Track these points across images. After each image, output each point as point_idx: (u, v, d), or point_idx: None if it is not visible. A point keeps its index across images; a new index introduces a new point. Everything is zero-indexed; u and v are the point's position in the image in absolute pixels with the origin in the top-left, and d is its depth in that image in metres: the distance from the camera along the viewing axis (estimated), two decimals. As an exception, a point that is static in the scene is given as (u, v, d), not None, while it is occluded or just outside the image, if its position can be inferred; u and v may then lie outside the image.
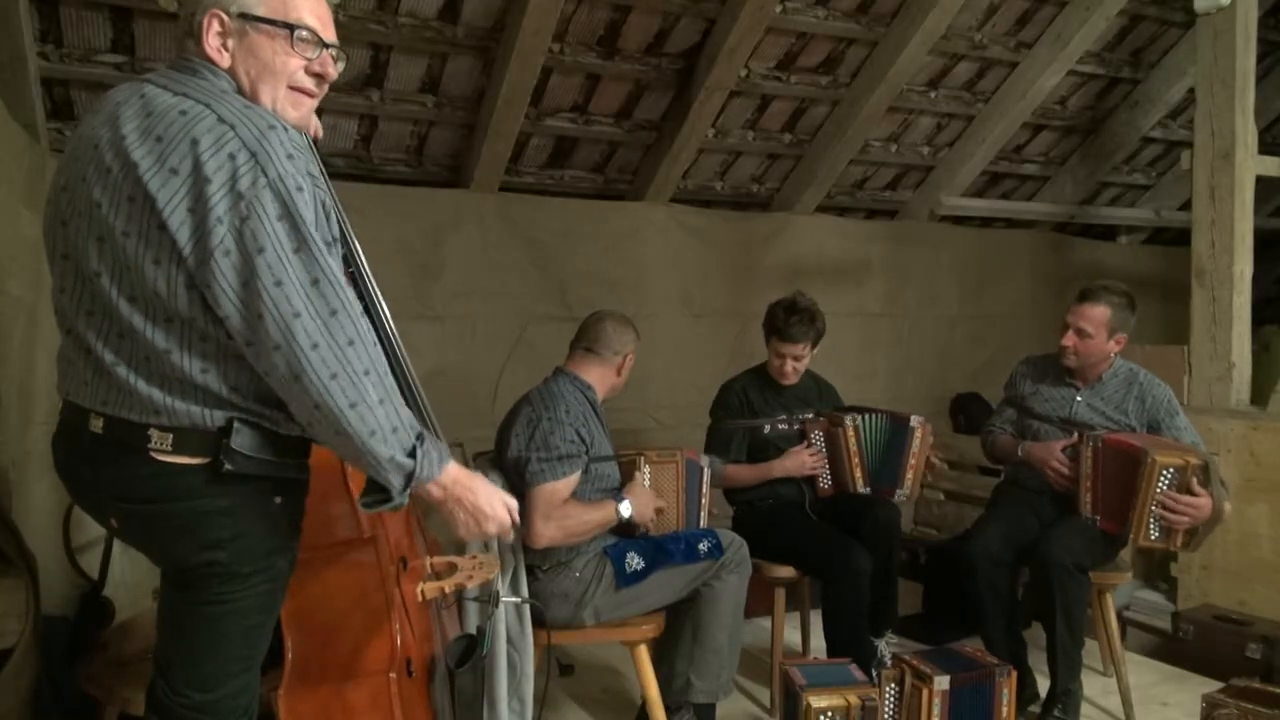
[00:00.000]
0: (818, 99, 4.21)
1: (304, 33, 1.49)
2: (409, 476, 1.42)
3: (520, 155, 3.97)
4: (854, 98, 4.17)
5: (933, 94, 4.44)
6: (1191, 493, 2.65)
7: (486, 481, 1.58)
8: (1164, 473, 2.66)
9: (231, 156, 1.34)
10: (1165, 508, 2.66)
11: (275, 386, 1.38)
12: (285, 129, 1.40)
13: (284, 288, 1.33)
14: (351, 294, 1.40)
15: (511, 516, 1.61)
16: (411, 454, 1.42)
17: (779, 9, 3.62)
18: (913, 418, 3.12)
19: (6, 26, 2.70)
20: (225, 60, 1.47)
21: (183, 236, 1.34)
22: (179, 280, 1.36)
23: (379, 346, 1.42)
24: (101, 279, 1.39)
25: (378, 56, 3.39)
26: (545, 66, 3.53)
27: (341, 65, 1.58)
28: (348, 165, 3.74)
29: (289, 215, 1.34)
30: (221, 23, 1.46)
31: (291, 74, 1.50)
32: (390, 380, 1.42)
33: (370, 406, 1.37)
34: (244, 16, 1.46)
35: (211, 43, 1.46)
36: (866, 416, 3.15)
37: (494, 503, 1.57)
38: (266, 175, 1.34)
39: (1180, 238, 5.14)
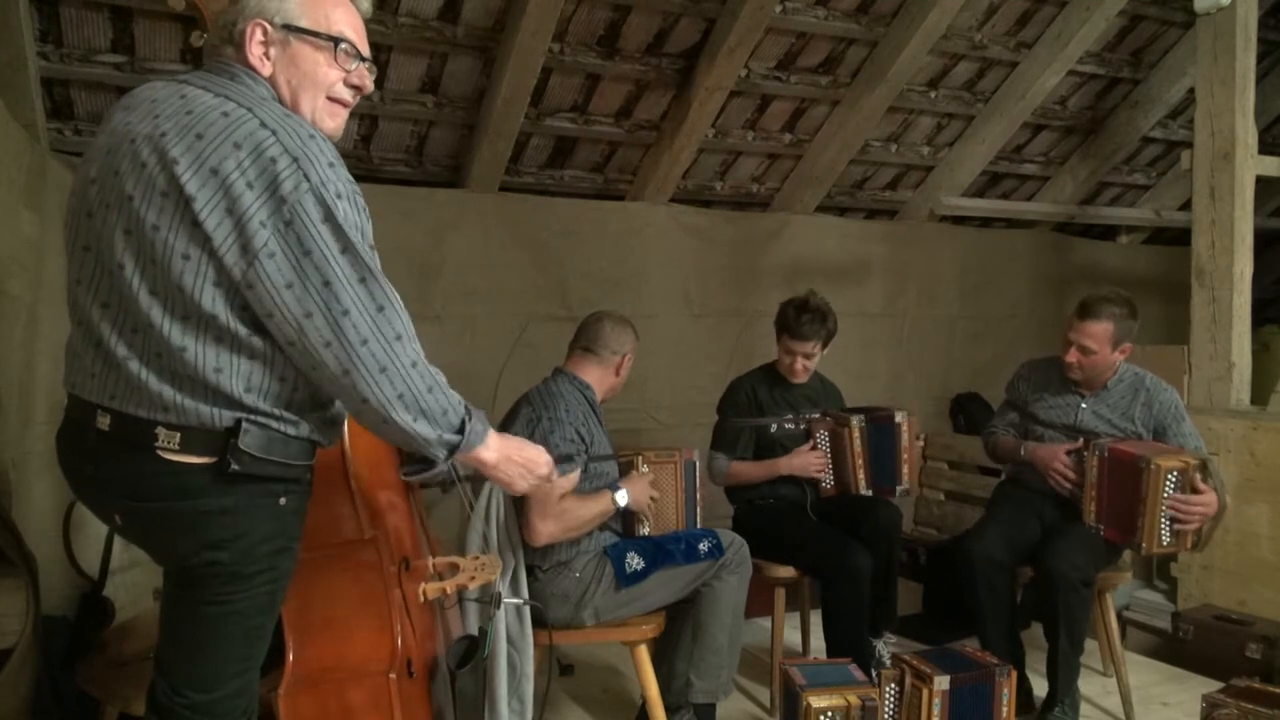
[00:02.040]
0: (818, 99, 4.21)
1: (346, 46, 1.53)
2: (453, 449, 1.52)
3: (520, 155, 3.97)
4: (854, 98, 4.17)
5: (933, 94, 4.44)
6: (1197, 491, 2.66)
7: (522, 439, 1.75)
8: (1169, 477, 2.66)
9: (273, 160, 1.36)
10: (1177, 511, 2.66)
11: (323, 381, 1.43)
12: (324, 139, 1.44)
13: (332, 287, 1.37)
14: (396, 292, 1.44)
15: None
16: (459, 430, 1.51)
17: (779, 9, 3.62)
18: (895, 413, 3.13)
19: (6, 26, 2.70)
20: (267, 69, 1.50)
21: (219, 236, 1.36)
22: (207, 276, 1.37)
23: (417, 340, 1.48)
24: (124, 271, 1.40)
25: (378, 56, 3.39)
26: (545, 66, 3.53)
27: (373, 77, 1.62)
28: (348, 165, 3.71)
29: (332, 218, 1.38)
30: (265, 32, 1.48)
31: (331, 85, 1.54)
32: (434, 368, 1.48)
33: (418, 395, 1.44)
34: (288, 28, 1.49)
35: (254, 51, 1.48)
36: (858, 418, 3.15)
37: (538, 452, 1.73)
38: (309, 180, 1.37)
39: (1180, 238, 5.14)
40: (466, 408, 1.53)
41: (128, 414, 1.42)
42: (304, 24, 1.50)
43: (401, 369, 1.42)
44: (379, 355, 1.40)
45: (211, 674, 1.51)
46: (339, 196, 1.39)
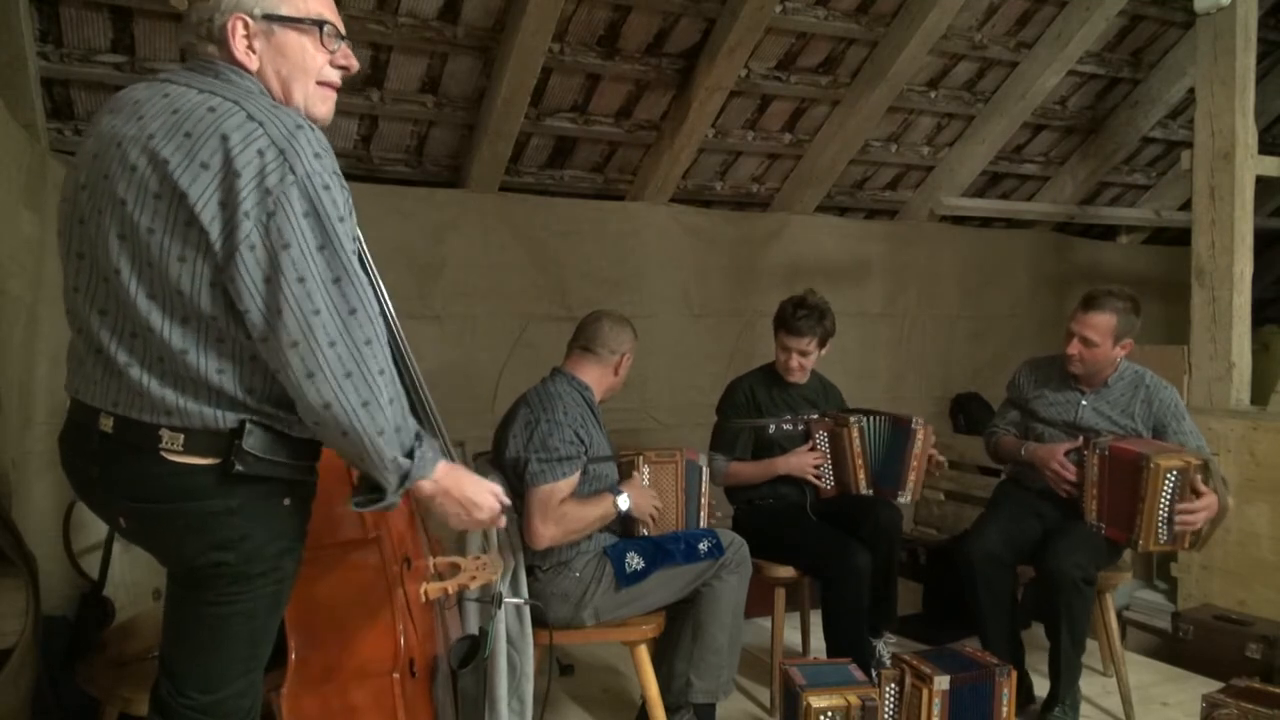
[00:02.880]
0: (818, 99, 4.21)
1: (329, 27, 1.52)
2: (404, 476, 1.45)
3: (520, 155, 3.97)
4: (854, 98, 4.17)
5: (933, 94, 4.44)
6: (1197, 493, 2.66)
7: (471, 473, 1.61)
8: (1168, 476, 2.66)
9: (260, 153, 1.34)
10: (1177, 512, 2.66)
11: (287, 384, 1.38)
12: (312, 129, 1.41)
13: (306, 284, 1.34)
14: (370, 294, 1.41)
15: (500, 501, 1.64)
16: (409, 454, 1.45)
17: (779, 9, 3.62)
18: (914, 419, 3.12)
19: (6, 26, 2.69)
20: (254, 63, 1.48)
21: (214, 231, 1.34)
22: (203, 277, 1.36)
23: (388, 348, 1.44)
24: (120, 276, 1.39)
25: (378, 56, 3.39)
26: (545, 66, 3.53)
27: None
28: (348, 165, 3.74)
29: (314, 212, 1.35)
30: (246, 25, 1.46)
31: (320, 70, 1.53)
32: (398, 383, 1.44)
33: (381, 406, 1.39)
34: (270, 17, 1.47)
35: (239, 46, 1.46)
36: (869, 419, 3.15)
37: (481, 492, 1.60)
38: (294, 172, 1.34)
39: (1180, 238, 5.14)
40: (418, 432, 1.47)
41: (131, 419, 1.41)
42: (285, 11, 1.48)
43: (368, 375, 1.37)
44: (345, 359, 1.35)
45: (216, 674, 1.50)
46: (325, 188, 1.37)
